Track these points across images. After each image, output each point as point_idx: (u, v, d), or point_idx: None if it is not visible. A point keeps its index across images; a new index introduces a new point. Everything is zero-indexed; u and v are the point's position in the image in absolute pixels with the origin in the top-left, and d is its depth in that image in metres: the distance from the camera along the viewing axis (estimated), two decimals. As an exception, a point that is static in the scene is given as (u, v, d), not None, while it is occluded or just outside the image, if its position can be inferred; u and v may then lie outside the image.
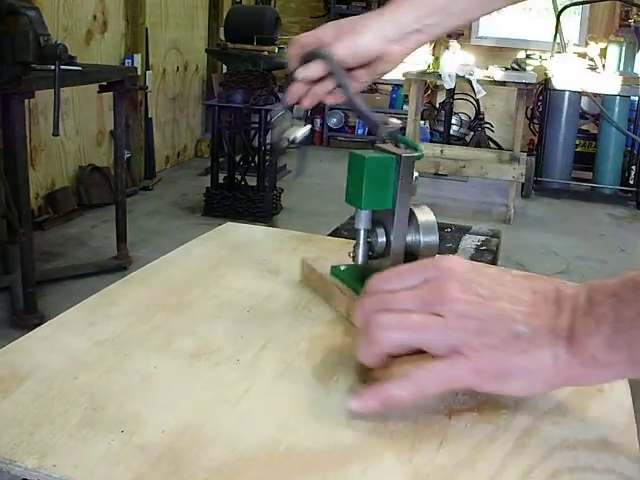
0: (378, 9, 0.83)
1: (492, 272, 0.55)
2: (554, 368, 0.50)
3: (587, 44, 6.02)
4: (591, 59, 5.73)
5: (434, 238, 0.69)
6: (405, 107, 6.79)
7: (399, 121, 0.74)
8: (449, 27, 0.84)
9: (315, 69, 0.80)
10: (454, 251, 2.10)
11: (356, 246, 0.70)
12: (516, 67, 5.13)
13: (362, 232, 0.69)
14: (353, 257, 0.71)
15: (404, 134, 0.72)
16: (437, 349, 0.52)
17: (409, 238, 0.69)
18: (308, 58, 0.80)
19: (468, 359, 0.51)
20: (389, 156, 0.67)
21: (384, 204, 0.67)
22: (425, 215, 0.69)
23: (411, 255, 0.69)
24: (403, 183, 0.66)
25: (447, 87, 5.14)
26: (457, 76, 4.85)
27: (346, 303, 0.71)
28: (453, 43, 4.96)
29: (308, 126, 0.85)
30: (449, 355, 0.51)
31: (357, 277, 0.72)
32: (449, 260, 0.55)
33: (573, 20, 7.06)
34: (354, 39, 0.80)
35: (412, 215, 0.68)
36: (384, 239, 0.69)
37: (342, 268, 0.76)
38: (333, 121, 7.74)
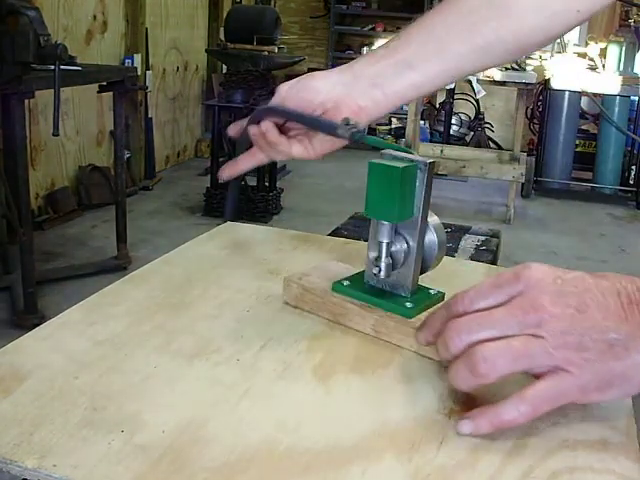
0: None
1: (574, 277, 0.55)
2: None
3: (587, 44, 6.02)
4: (591, 59, 5.73)
5: (445, 237, 0.69)
6: (405, 107, 6.79)
7: (358, 121, 0.73)
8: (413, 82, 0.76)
9: (265, 125, 0.76)
10: (454, 251, 2.10)
11: (378, 260, 0.67)
12: (516, 67, 5.13)
13: (385, 245, 0.66)
14: (376, 273, 0.67)
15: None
16: (541, 369, 0.53)
17: (425, 240, 0.68)
18: (255, 119, 0.76)
19: (572, 375, 0.52)
20: (415, 164, 0.65)
21: (410, 214, 0.66)
22: (432, 216, 0.68)
23: (427, 257, 0.68)
24: (427, 190, 0.65)
25: (447, 87, 5.14)
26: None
27: (374, 321, 0.67)
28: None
29: None
30: (552, 372, 0.52)
31: (370, 291, 0.70)
32: (532, 270, 0.55)
33: (573, 20, 7.05)
34: (304, 87, 0.76)
35: None
36: (405, 247, 0.67)
37: (345, 283, 0.71)
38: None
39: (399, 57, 0.75)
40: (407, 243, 0.67)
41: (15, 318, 2.89)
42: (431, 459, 0.50)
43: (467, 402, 0.57)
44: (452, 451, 0.51)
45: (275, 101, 0.76)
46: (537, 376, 0.53)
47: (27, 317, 2.84)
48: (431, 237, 0.68)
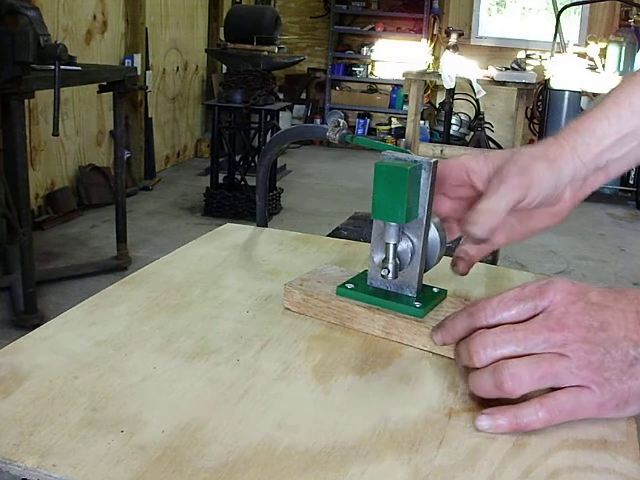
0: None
1: (597, 295, 0.56)
2: None
3: (587, 44, 6.02)
4: (591, 59, 5.73)
5: (445, 235, 0.69)
6: (405, 107, 6.79)
7: (343, 121, 0.72)
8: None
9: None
10: (454, 250, 2.10)
11: (385, 261, 0.67)
12: (516, 67, 5.13)
13: (392, 246, 0.66)
14: (385, 275, 0.67)
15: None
16: (564, 385, 0.54)
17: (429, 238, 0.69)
18: None
19: (593, 393, 0.53)
20: (420, 164, 0.65)
21: (416, 214, 0.66)
22: (434, 215, 0.69)
23: (430, 256, 0.69)
24: (432, 189, 0.65)
25: (447, 87, 5.14)
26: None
27: (384, 322, 0.68)
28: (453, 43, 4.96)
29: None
30: (576, 387, 0.53)
31: (376, 293, 0.70)
32: (557, 286, 0.56)
33: (573, 20, 7.06)
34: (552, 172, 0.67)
35: None
36: (410, 246, 0.67)
37: (349, 287, 0.71)
38: (330, 121, 7.73)
39: (626, 131, 0.67)
40: (412, 243, 0.67)
41: (15, 318, 2.89)
42: (431, 459, 0.50)
43: (467, 402, 0.57)
44: (452, 451, 0.51)
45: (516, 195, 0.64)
46: (557, 387, 0.54)
47: (27, 317, 2.84)
48: (434, 235, 0.68)
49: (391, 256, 0.67)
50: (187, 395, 0.56)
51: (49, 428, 0.50)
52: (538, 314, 0.55)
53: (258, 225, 1.02)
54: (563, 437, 0.54)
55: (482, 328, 0.57)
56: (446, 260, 0.72)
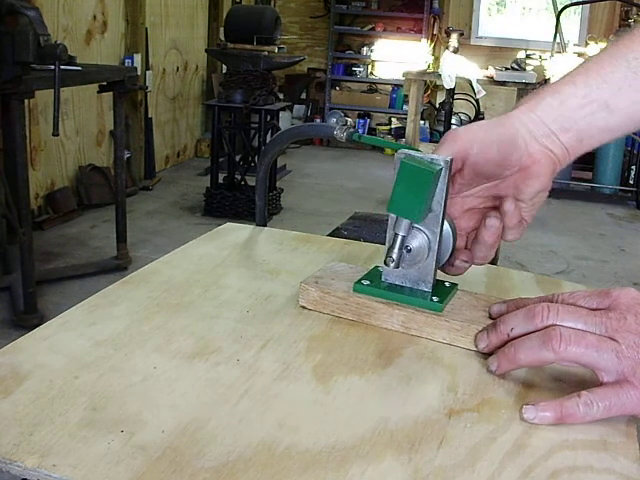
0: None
1: None
2: None
3: (587, 44, 6.02)
4: (591, 59, 5.72)
5: (455, 226, 0.70)
6: (405, 107, 6.79)
7: (351, 120, 0.72)
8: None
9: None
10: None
11: (391, 250, 0.67)
12: (516, 67, 5.13)
13: (400, 238, 0.67)
14: (389, 263, 0.67)
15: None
16: (607, 373, 0.55)
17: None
18: None
19: (636, 388, 0.54)
20: (440, 165, 0.65)
21: (428, 212, 0.67)
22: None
23: (444, 250, 0.70)
24: (448, 186, 0.66)
25: (447, 87, 5.14)
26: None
27: (403, 317, 0.69)
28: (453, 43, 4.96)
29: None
30: (617, 382, 0.55)
31: (392, 288, 0.71)
32: (623, 291, 0.59)
33: (573, 20, 7.06)
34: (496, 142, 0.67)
35: None
36: (425, 241, 0.68)
37: (365, 283, 0.72)
38: (332, 121, 7.74)
39: (593, 97, 0.67)
40: (428, 238, 0.68)
41: (15, 318, 2.89)
42: (431, 459, 0.50)
43: (467, 402, 0.58)
44: (452, 451, 0.51)
45: (454, 148, 0.65)
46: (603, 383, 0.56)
47: (27, 317, 2.84)
48: (446, 229, 0.68)
49: (397, 247, 0.67)
50: (187, 395, 0.56)
51: (49, 428, 0.50)
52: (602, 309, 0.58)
53: (257, 224, 1.02)
54: (563, 437, 0.54)
55: (539, 325, 0.59)
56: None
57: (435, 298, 0.69)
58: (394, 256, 0.67)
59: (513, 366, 0.60)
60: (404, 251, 0.68)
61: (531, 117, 0.68)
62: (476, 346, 0.65)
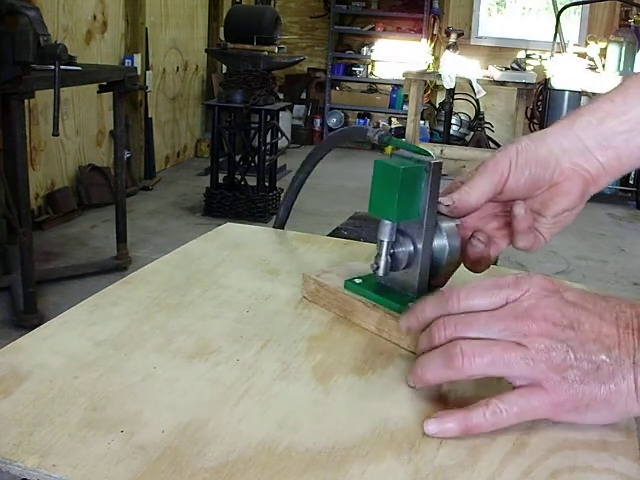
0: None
1: (575, 294, 0.54)
2: (634, 400, 0.50)
3: (587, 44, 6.02)
4: (591, 59, 5.74)
5: (457, 241, 0.67)
6: (405, 107, 6.79)
7: (389, 125, 0.72)
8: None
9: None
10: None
11: (378, 257, 0.67)
12: (516, 67, 5.13)
13: (385, 244, 0.66)
14: (375, 269, 0.67)
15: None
16: (518, 379, 0.52)
17: (434, 244, 0.67)
18: None
19: (548, 393, 0.51)
20: (420, 165, 0.64)
21: (414, 215, 0.65)
22: (447, 220, 0.67)
23: (436, 261, 0.67)
24: (433, 191, 0.65)
25: (447, 87, 5.14)
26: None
27: (377, 318, 0.68)
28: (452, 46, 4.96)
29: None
30: (529, 386, 0.52)
31: (379, 290, 0.70)
32: (533, 280, 0.54)
33: (573, 20, 7.07)
34: (530, 159, 0.67)
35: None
36: (411, 248, 0.67)
37: (357, 281, 0.72)
38: (333, 121, 7.74)
39: (632, 115, 0.67)
40: (414, 245, 0.67)
41: (15, 318, 2.89)
42: (431, 459, 0.50)
43: (470, 401, 0.57)
44: (452, 451, 0.51)
45: (494, 179, 0.66)
46: (515, 388, 0.53)
47: (27, 317, 2.84)
48: (442, 242, 0.67)
49: (383, 253, 0.67)
50: (187, 395, 0.56)
51: (49, 428, 0.50)
52: (510, 304, 0.54)
53: (274, 227, 1.01)
54: (563, 437, 0.54)
55: (452, 311, 0.55)
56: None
57: (411, 304, 0.66)
58: (380, 263, 0.67)
59: (424, 385, 0.57)
60: (389, 257, 0.67)
61: (567, 134, 0.68)
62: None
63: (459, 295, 0.55)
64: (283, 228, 1.00)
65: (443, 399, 0.58)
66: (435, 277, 0.69)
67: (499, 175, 0.66)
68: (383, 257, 0.67)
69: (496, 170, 0.66)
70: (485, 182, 0.66)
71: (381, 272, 0.67)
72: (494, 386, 0.54)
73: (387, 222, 0.66)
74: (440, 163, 0.65)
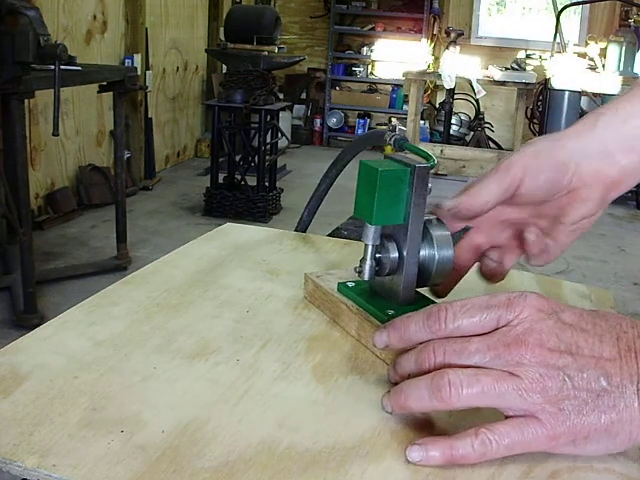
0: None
1: (572, 315, 0.50)
2: (639, 428, 0.47)
3: (587, 44, 6.02)
4: (591, 59, 5.73)
5: (449, 252, 0.65)
6: (405, 107, 6.79)
7: (405, 129, 0.72)
8: None
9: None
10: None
11: (362, 261, 0.66)
12: (516, 67, 5.13)
13: (370, 248, 0.65)
14: (359, 273, 0.66)
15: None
16: (511, 411, 0.49)
17: (422, 253, 0.65)
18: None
19: (543, 426, 0.47)
20: (403, 168, 0.63)
21: (396, 219, 0.63)
22: (439, 228, 0.65)
23: (425, 270, 0.66)
24: (417, 196, 0.63)
25: (447, 87, 5.14)
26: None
27: (357, 323, 0.67)
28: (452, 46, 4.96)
29: None
30: (523, 417, 0.48)
31: (366, 294, 0.69)
32: (527, 301, 0.50)
33: (573, 20, 7.07)
34: (546, 163, 0.64)
35: (425, 228, 0.65)
36: (396, 254, 0.65)
37: (349, 285, 0.71)
38: (333, 121, 7.74)
39: None
40: (399, 251, 0.65)
41: (15, 318, 2.89)
42: (431, 459, 0.50)
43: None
44: (452, 451, 0.51)
45: (505, 182, 0.64)
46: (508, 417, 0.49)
47: (27, 317, 2.84)
48: (431, 251, 0.65)
49: (368, 257, 0.65)
50: (187, 395, 0.56)
51: (49, 428, 0.50)
52: (502, 327, 0.50)
53: (296, 230, 1.01)
54: (563, 437, 0.54)
55: (439, 333, 0.52)
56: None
57: (391, 311, 0.65)
58: (364, 267, 0.65)
59: (406, 412, 0.53)
60: (373, 261, 0.65)
61: (588, 137, 0.65)
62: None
63: (447, 316, 0.52)
64: (305, 231, 1.00)
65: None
66: (424, 286, 0.67)
67: (510, 178, 0.63)
68: (367, 261, 0.65)
69: (508, 173, 0.63)
70: (494, 185, 0.63)
71: (365, 276, 0.66)
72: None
73: (369, 225, 0.64)
74: (426, 167, 0.63)
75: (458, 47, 5.06)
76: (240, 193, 4.59)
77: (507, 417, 0.49)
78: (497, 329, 0.50)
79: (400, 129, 0.70)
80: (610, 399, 0.47)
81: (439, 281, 0.67)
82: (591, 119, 0.66)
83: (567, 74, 5.37)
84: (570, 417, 0.47)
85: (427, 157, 0.65)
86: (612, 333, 0.49)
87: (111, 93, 3.36)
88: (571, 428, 0.47)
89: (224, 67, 5.74)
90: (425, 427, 0.54)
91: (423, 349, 0.52)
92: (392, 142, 0.71)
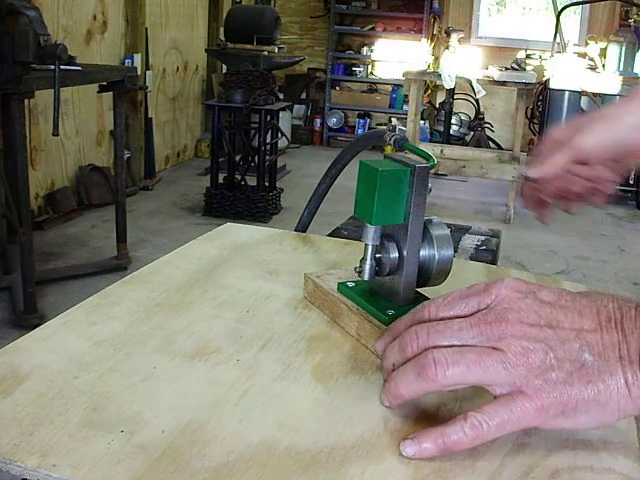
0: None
1: (550, 293, 0.52)
2: (627, 397, 0.47)
3: (587, 44, 6.02)
4: (591, 59, 5.74)
5: (449, 252, 0.65)
6: (405, 107, 6.79)
7: (405, 128, 0.72)
8: None
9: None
10: (454, 251, 2.10)
11: (363, 261, 0.66)
12: (516, 67, 5.13)
13: (370, 247, 0.65)
14: (359, 272, 0.66)
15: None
16: (497, 387, 0.49)
17: (423, 253, 0.65)
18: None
19: (530, 399, 0.48)
20: (403, 168, 0.63)
21: (396, 219, 0.64)
22: (439, 228, 0.66)
23: (425, 271, 0.66)
24: (417, 196, 0.63)
25: (447, 87, 5.14)
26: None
27: (357, 323, 0.67)
28: (454, 43, 4.96)
29: None
30: (510, 394, 0.49)
31: (366, 294, 0.69)
32: (504, 284, 0.52)
33: (573, 20, 7.07)
34: (606, 127, 0.74)
35: (425, 228, 0.65)
36: (396, 254, 0.65)
37: (349, 285, 0.71)
38: (333, 121, 7.74)
39: None
40: (399, 251, 0.66)
41: (15, 318, 2.89)
42: (431, 459, 0.50)
43: (470, 402, 0.57)
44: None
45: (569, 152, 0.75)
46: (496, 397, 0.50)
47: (27, 317, 2.84)
48: (431, 251, 0.65)
49: (368, 257, 0.65)
50: (187, 395, 0.56)
51: (49, 428, 0.50)
52: (482, 310, 0.52)
53: (296, 230, 1.01)
54: (563, 437, 0.54)
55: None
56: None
57: (390, 311, 0.65)
58: (364, 267, 0.66)
59: (400, 401, 0.54)
60: (373, 261, 0.66)
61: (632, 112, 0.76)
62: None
63: (429, 310, 0.54)
64: (305, 231, 1.00)
65: (444, 399, 0.58)
66: (424, 286, 0.67)
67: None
68: (367, 261, 0.66)
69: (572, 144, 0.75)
70: (560, 157, 0.75)
71: (365, 276, 0.66)
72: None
73: (369, 225, 0.64)
74: (426, 167, 0.63)
75: (458, 47, 5.06)
76: (240, 193, 4.59)
77: (495, 398, 0.50)
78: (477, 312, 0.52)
79: (400, 129, 0.70)
80: (594, 368, 0.48)
81: (439, 281, 0.68)
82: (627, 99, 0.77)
83: (567, 74, 5.37)
84: (556, 388, 0.48)
85: (427, 157, 0.65)
86: (592, 307, 0.50)
87: (111, 93, 3.36)
88: (558, 399, 0.48)
89: (224, 67, 5.74)
90: (426, 427, 0.54)
91: (405, 333, 0.54)
92: (392, 142, 0.72)
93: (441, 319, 0.53)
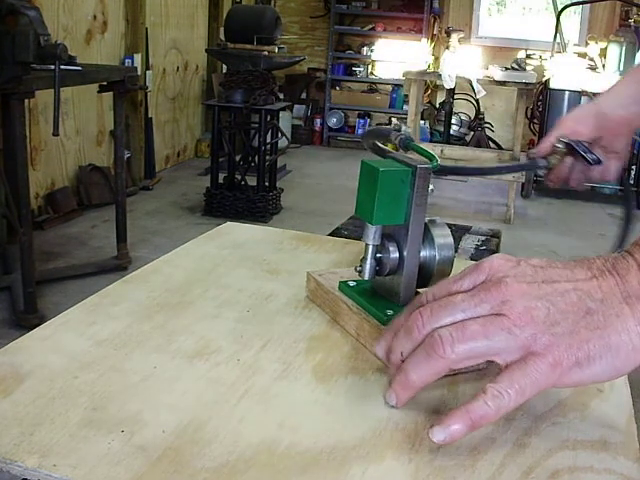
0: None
1: (540, 261, 0.53)
2: (638, 335, 0.47)
3: (587, 44, 6.02)
4: (591, 59, 5.74)
5: (450, 253, 0.66)
6: (405, 107, 6.79)
7: (410, 128, 0.72)
8: None
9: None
10: (454, 250, 2.10)
11: (363, 261, 0.66)
12: (516, 67, 5.12)
13: (371, 247, 0.65)
14: (359, 272, 0.67)
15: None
16: (508, 354, 0.49)
17: (423, 253, 0.65)
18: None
19: (542, 356, 0.48)
20: (404, 168, 0.63)
21: (397, 219, 0.64)
22: (440, 229, 0.66)
23: (425, 271, 0.66)
24: (418, 196, 0.63)
25: (447, 87, 5.14)
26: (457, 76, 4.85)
27: (356, 322, 0.67)
28: (454, 42, 4.96)
29: None
30: (521, 359, 0.48)
31: (367, 294, 0.69)
32: (494, 259, 0.53)
33: (573, 20, 7.06)
34: (587, 105, 1.01)
35: (426, 229, 0.65)
36: (397, 255, 0.65)
37: (350, 284, 0.71)
38: (333, 121, 7.74)
39: None
40: (400, 251, 0.66)
41: (15, 318, 2.89)
42: (431, 459, 0.50)
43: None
44: (452, 451, 0.51)
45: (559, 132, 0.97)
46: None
47: (27, 317, 2.84)
48: (432, 252, 0.66)
49: (369, 257, 0.65)
50: (187, 395, 0.56)
51: (49, 428, 0.50)
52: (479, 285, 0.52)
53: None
54: (563, 437, 0.54)
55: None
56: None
57: (390, 311, 0.65)
58: (365, 266, 0.66)
59: (411, 392, 0.53)
60: (373, 261, 0.66)
61: (612, 97, 1.02)
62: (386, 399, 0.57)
63: (427, 297, 0.55)
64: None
65: (444, 399, 0.58)
66: (425, 286, 0.67)
67: (562, 129, 0.99)
68: (368, 260, 0.66)
69: (560, 126, 1.00)
70: (552, 137, 0.99)
71: (366, 276, 0.66)
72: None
73: (369, 225, 0.64)
74: (428, 168, 0.63)
75: (458, 47, 5.06)
76: (240, 193, 4.59)
77: (506, 367, 0.50)
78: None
79: (405, 129, 0.70)
80: (599, 314, 0.48)
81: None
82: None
83: (567, 74, 5.37)
84: (564, 339, 0.48)
85: (431, 158, 0.65)
86: (582, 264, 0.52)
87: (111, 93, 3.36)
88: (569, 349, 0.48)
89: (224, 67, 5.74)
90: (426, 427, 0.54)
91: (409, 317, 0.54)
92: (397, 142, 0.72)
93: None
